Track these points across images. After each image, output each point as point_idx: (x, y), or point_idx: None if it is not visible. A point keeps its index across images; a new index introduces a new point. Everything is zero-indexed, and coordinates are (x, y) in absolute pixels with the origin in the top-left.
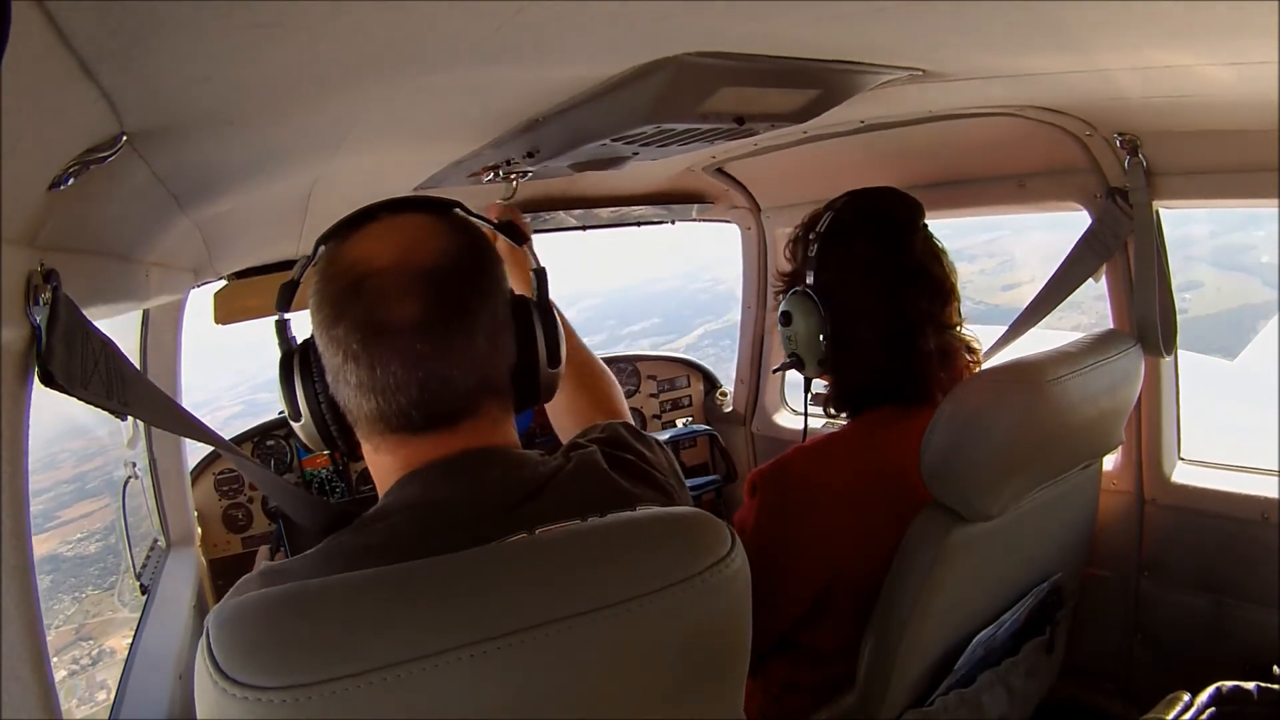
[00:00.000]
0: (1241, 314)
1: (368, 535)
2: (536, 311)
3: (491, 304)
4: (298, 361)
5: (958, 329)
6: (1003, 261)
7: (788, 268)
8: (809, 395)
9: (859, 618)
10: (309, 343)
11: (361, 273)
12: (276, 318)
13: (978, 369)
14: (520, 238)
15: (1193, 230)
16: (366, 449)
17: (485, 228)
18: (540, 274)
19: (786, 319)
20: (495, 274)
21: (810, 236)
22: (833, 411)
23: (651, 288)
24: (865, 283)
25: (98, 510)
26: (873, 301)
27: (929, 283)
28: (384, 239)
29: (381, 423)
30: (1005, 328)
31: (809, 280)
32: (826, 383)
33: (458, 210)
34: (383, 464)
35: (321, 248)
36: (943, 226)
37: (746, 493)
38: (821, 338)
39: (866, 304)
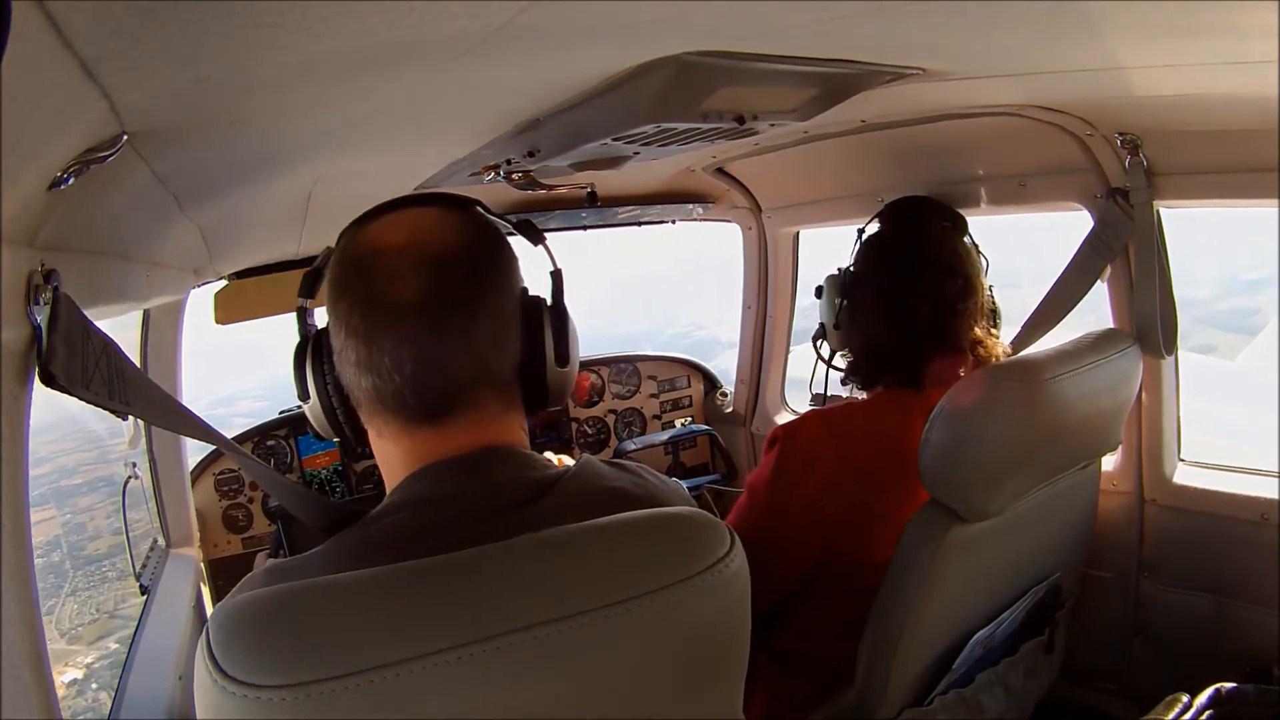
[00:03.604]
0: None
1: (374, 532)
2: (548, 311)
3: (497, 297)
4: (311, 346)
5: (972, 326)
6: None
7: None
8: (814, 370)
9: (851, 604)
10: (324, 329)
11: (369, 252)
12: (298, 306)
13: None
14: (537, 238)
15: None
16: (371, 434)
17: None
18: (556, 275)
19: (819, 292)
20: (505, 269)
21: (859, 233)
22: (845, 381)
23: (617, 329)
24: (881, 259)
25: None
26: (884, 276)
27: (939, 268)
28: (397, 224)
29: (380, 403)
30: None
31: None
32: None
33: (477, 208)
34: (388, 453)
35: (343, 237)
36: None
37: (765, 448)
38: (837, 302)
39: (878, 276)
